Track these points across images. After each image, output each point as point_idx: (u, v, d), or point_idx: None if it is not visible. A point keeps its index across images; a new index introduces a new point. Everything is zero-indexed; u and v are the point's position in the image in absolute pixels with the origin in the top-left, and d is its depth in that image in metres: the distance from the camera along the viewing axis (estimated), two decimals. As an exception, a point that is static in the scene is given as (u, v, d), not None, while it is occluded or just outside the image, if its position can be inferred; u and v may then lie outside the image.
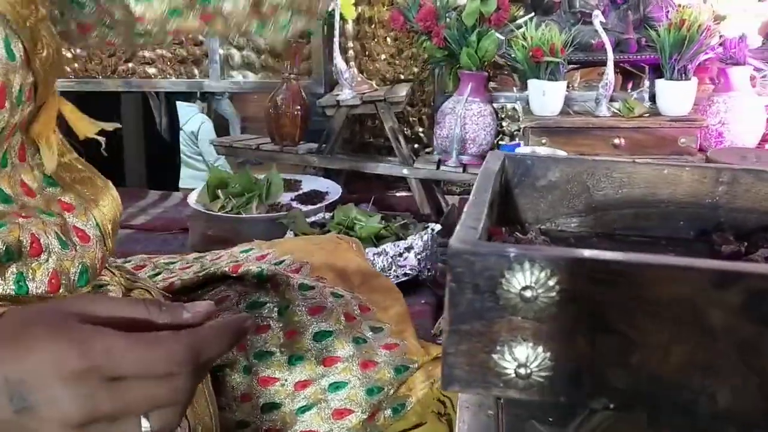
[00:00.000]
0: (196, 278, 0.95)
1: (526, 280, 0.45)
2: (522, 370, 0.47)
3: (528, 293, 0.45)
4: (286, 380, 0.87)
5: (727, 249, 0.70)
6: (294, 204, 2.16)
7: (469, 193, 2.21)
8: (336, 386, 0.87)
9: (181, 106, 3.71)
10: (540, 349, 0.46)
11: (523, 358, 0.46)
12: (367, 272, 1.07)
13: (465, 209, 0.57)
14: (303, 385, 0.87)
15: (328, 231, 1.83)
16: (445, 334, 0.48)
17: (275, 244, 1.13)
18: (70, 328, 0.48)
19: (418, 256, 1.76)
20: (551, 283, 0.45)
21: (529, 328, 0.46)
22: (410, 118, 2.61)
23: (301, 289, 0.93)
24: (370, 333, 0.93)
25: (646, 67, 2.28)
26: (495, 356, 0.47)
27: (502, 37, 2.30)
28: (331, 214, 1.97)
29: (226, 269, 0.95)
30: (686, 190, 0.75)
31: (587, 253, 0.45)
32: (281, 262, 1.02)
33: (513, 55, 2.15)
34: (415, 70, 2.56)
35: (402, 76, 2.57)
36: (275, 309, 0.92)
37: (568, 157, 0.76)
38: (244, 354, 0.88)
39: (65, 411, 0.46)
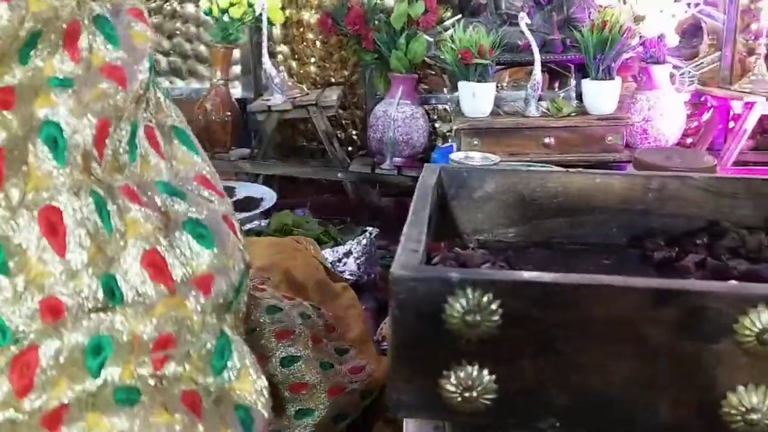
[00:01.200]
0: None
1: (469, 304, 0.45)
2: (467, 394, 0.47)
3: (470, 318, 0.45)
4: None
5: (659, 255, 0.71)
6: (228, 212, 2.11)
7: (404, 195, 2.21)
8: (303, 413, 0.86)
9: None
10: (485, 372, 0.46)
11: (468, 382, 0.46)
12: (328, 285, 1.06)
13: (405, 229, 0.56)
14: None
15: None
16: (391, 360, 0.48)
17: None
18: None
19: (357, 261, 1.75)
20: (494, 306, 0.45)
21: (473, 352, 0.46)
22: (343, 121, 2.60)
23: (269, 312, 0.91)
24: (336, 356, 0.93)
25: (572, 67, 2.33)
26: (441, 381, 0.47)
27: (431, 39, 2.31)
28: (267, 220, 1.94)
29: None
30: (618, 198, 0.77)
31: (527, 275, 0.46)
32: None
33: (442, 57, 2.16)
34: (346, 73, 2.55)
35: (333, 80, 2.55)
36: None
37: (503, 169, 0.77)
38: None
39: None
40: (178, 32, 2.60)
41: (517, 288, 0.45)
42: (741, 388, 0.44)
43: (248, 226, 1.91)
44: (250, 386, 0.57)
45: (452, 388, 0.46)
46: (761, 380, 0.44)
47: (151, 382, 0.51)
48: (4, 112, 0.51)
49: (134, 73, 0.57)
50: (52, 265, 0.50)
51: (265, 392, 0.58)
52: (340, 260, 1.76)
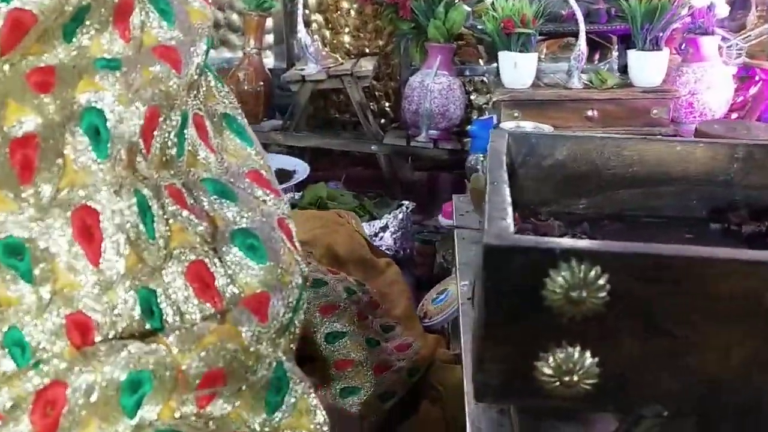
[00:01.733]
0: None
1: (574, 278, 0.40)
2: (567, 378, 0.42)
3: (575, 293, 0.40)
4: None
5: (747, 229, 0.66)
6: (261, 184, 2.08)
7: (439, 169, 2.16)
8: (349, 391, 0.83)
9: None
10: (587, 354, 0.42)
11: (569, 365, 0.42)
12: (371, 260, 1.02)
13: (487, 199, 0.51)
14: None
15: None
16: (478, 341, 0.43)
17: None
18: None
19: (394, 236, 1.71)
20: (601, 282, 0.40)
21: (575, 332, 0.42)
22: (376, 93, 2.54)
23: (313, 286, 0.87)
24: (382, 333, 0.89)
25: (614, 38, 2.25)
26: (538, 364, 0.42)
27: (469, 9, 2.24)
28: (301, 193, 1.90)
29: None
30: (699, 168, 0.72)
31: (641, 247, 0.41)
32: None
33: (481, 27, 2.09)
34: (381, 43, 2.49)
35: (367, 50, 2.49)
36: None
37: (575, 135, 0.71)
38: None
39: None
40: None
41: (629, 260, 0.40)
42: None
43: (282, 199, 1.88)
44: (308, 422, 0.50)
45: (550, 372, 0.42)
46: None
47: (196, 422, 0.44)
48: (42, 96, 0.44)
49: (190, 55, 0.50)
50: (84, 275, 0.43)
51: (326, 428, 0.52)
52: (376, 234, 1.72)
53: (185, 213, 0.48)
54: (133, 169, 0.46)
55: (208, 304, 0.47)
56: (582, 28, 1.98)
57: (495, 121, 1.98)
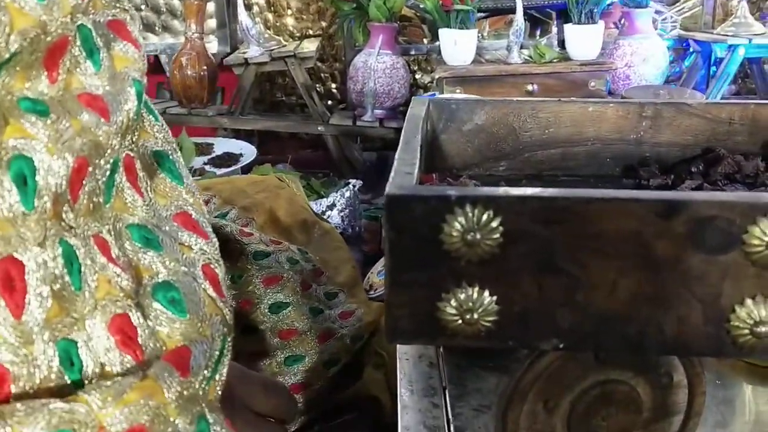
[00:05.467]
0: None
1: (468, 222, 0.43)
2: (468, 317, 0.45)
3: (470, 236, 0.43)
4: (240, 351, 0.84)
5: (654, 183, 0.70)
6: (208, 168, 2.08)
7: (386, 149, 2.18)
8: (294, 359, 0.85)
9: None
10: (486, 293, 0.45)
11: (469, 304, 0.45)
12: (314, 224, 1.03)
13: (396, 156, 0.54)
14: (257, 356, 0.84)
15: (246, 194, 1.78)
16: (387, 287, 0.46)
17: (213, 185, 1.07)
18: None
19: (341, 214, 1.73)
20: (494, 224, 0.43)
21: (473, 273, 0.44)
22: (322, 74, 2.55)
23: (256, 258, 0.88)
24: (325, 300, 0.91)
25: (553, 13, 2.29)
26: (440, 304, 0.45)
27: (410, -13, 2.27)
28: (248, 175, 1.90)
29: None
30: (611, 127, 0.75)
31: (530, 191, 0.44)
32: (225, 215, 0.98)
33: (422, 6, 2.11)
34: (324, 24, 2.50)
35: (311, 32, 2.50)
36: (228, 277, 0.89)
37: (493, 100, 0.74)
38: None
39: None
40: (149, -14, 2.53)
41: (519, 203, 0.43)
42: (749, 301, 0.43)
43: (229, 182, 1.88)
44: None
45: (452, 311, 0.45)
46: (772, 291, 0.42)
47: None
48: None
49: (118, 102, 0.48)
50: (4, 329, 0.41)
51: None
52: (323, 213, 1.74)
53: (111, 266, 0.47)
54: (60, 219, 0.45)
55: (129, 357, 0.46)
56: (519, 4, 2.02)
57: (437, 96, 2.01)
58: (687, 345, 0.45)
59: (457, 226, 0.43)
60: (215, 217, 0.96)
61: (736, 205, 0.41)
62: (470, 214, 0.43)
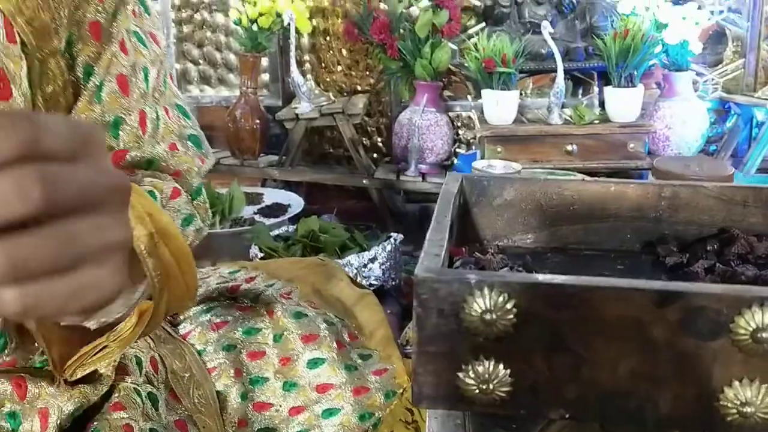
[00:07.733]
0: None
1: (486, 304, 0.49)
2: (484, 386, 0.51)
3: (488, 316, 0.49)
4: (281, 406, 0.90)
5: (670, 260, 0.75)
6: (257, 218, 2.18)
7: (428, 201, 2.26)
8: (329, 412, 0.90)
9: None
10: (501, 366, 0.50)
11: (485, 375, 0.51)
12: (352, 296, 1.10)
13: (428, 235, 0.61)
14: (297, 410, 0.90)
15: (293, 244, 1.86)
16: (414, 356, 0.52)
17: (260, 265, 1.15)
18: None
19: (382, 267, 1.80)
20: (509, 306, 0.49)
21: (490, 348, 0.50)
22: (368, 128, 2.65)
23: (295, 317, 0.95)
24: (360, 361, 0.97)
25: (595, 74, 2.36)
26: (460, 374, 0.51)
27: (455, 47, 2.36)
28: (295, 226, 1.99)
29: (225, 287, 0.99)
30: (632, 205, 0.81)
31: (541, 277, 0.50)
32: (271, 285, 1.05)
33: (467, 65, 2.20)
34: (372, 80, 2.60)
35: (359, 87, 2.60)
36: (270, 335, 0.95)
37: (521, 177, 0.81)
38: (241, 380, 0.91)
39: None
40: (207, 41, 2.68)
41: (531, 289, 0.49)
42: (736, 383, 0.48)
43: (276, 232, 1.97)
44: None
45: (471, 381, 0.51)
46: (755, 375, 0.47)
47: None
48: None
49: None
50: None
51: None
52: (365, 266, 1.81)
53: None
54: None
55: None
56: (560, 66, 2.09)
57: (478, 156, 2.08)
58: (681, 421, 0.50)
59: (476, 307, 0.49)
60: (265, 287, 1.03)
61: (724, 297, 0.47)
62: (488, 297, 0.49)
